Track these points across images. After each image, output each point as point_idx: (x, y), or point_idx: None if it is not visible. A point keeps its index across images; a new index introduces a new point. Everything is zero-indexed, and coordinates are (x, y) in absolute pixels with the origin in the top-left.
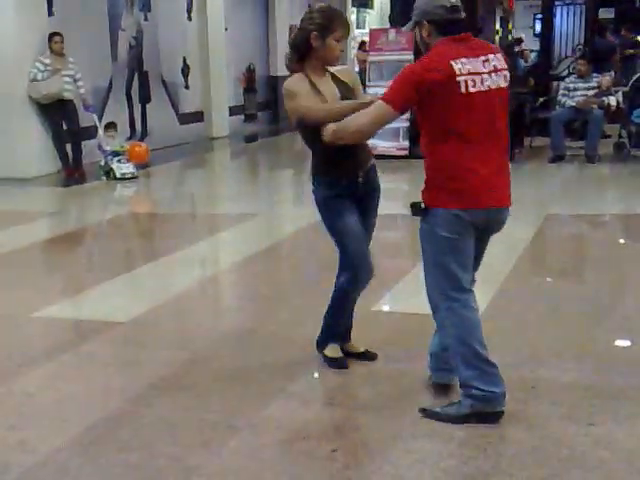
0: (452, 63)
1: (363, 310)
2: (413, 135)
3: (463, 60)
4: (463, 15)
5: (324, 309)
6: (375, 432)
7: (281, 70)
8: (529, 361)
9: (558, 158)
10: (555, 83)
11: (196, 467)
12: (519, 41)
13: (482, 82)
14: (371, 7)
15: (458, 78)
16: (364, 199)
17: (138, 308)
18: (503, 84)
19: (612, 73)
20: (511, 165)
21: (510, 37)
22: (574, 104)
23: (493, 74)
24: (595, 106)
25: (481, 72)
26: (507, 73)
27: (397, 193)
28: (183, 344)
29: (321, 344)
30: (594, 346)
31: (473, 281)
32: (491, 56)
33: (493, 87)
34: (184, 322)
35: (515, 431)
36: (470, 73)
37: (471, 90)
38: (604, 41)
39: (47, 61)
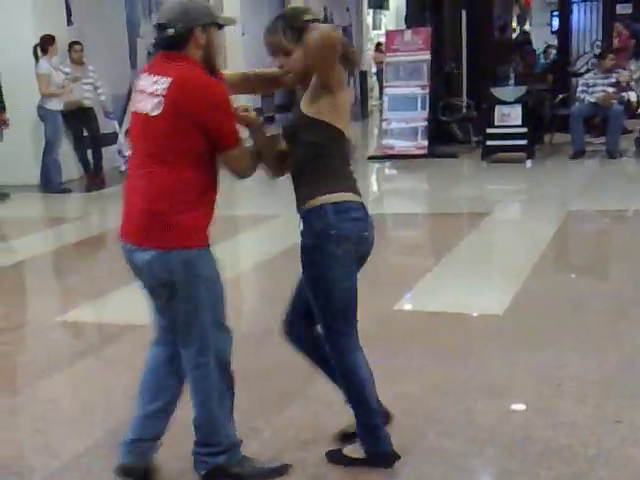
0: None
1: (385, 309)
2: (431, 135)
3: (142, 75)
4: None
5: None
6: (397, 432)
7: None
8: (554, 359)
9: (579, 154)
10: (574, 79)
11: None
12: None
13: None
14: (387, 8)
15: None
16: None
17: None
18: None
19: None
20: (531, 162)
21: (521, 31)
22: (594, 100)
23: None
24: (615, 102)
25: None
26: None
27: (416, 192)
28: None
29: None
30: (619, 343)
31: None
32: (158, 78)
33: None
34: None
35: (541, 430)
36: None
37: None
38: None
39: (67, 70)
